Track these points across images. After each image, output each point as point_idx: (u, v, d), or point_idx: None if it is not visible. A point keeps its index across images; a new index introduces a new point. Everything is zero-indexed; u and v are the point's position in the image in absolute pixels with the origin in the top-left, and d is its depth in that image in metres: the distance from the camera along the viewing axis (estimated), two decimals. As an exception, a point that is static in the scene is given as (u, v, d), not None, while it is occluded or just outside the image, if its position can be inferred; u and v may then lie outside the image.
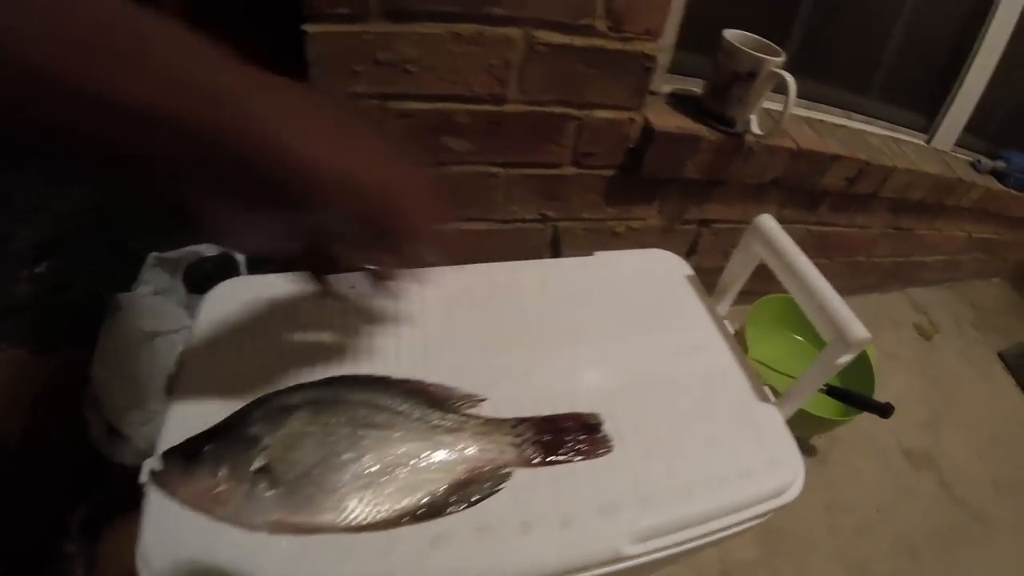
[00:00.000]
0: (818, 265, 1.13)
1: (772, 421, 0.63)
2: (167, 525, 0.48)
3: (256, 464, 0.48)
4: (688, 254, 1.04)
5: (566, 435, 0.55)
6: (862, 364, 1.14)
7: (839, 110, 1.21)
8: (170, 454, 0.50)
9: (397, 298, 0.63)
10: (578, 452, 0.54)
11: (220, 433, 0.50)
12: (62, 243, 1.05)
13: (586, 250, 0.91)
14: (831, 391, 0.96)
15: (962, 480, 1.05)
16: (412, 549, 0.47)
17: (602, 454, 0.55)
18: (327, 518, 0.47)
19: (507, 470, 0.51)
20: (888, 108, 1.32)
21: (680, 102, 0.92)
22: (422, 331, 0.61)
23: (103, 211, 1.04)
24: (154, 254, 0.94)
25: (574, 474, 0.53)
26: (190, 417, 0.53)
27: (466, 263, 0.67)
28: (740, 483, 0.56)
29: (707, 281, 0.72)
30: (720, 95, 0.89)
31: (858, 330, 0.57)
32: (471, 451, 0.51)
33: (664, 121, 0.86)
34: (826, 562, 0.90)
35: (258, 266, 0.68)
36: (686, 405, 0.60)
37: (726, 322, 0.70)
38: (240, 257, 0.90)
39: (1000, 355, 1.57)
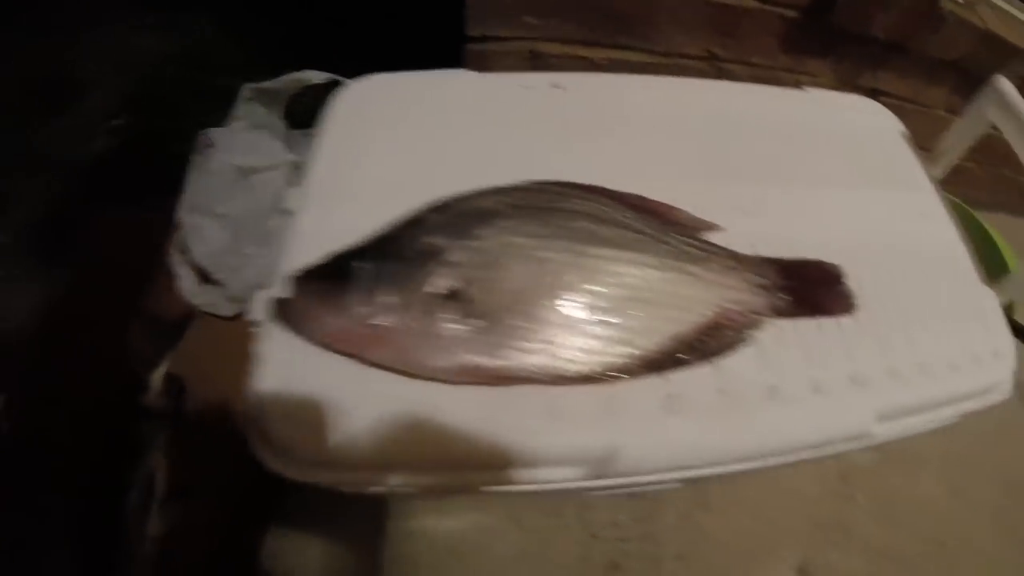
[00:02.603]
0: (963, 170, 0.89)
1: (993, 309, 0.46)
2: (293, 376, 0.32)
3: (439, 285, 0.31)
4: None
5: (812, 284, 0.38)
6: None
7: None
8: (305, 277, 0.34)
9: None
10: (823, 306, 0.39)
11: (380, 245, 0.34)
12: (144, 91, 0.85)
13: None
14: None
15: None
16: (642, 411, 0.32)
17: (845, 313, 0.39)
18: (535, 362, 0.31)
19: (757, 318, 0.35)
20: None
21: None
22: (628, 142, 0.43)
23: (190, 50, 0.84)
24: (249, 85, 0.74)
25: (820, 333, 0.38)
26: (327, 233, 0.37)
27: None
28: (972, 370, 0.41)
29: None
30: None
31: None
32: (723, 289, 0.34)
33: (861, -40, 0.66)
34: (932, 481, 0.78)
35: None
36: (917, 275, 0.44)
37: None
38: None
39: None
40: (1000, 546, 0.75)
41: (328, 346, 0.33)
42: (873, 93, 0.79)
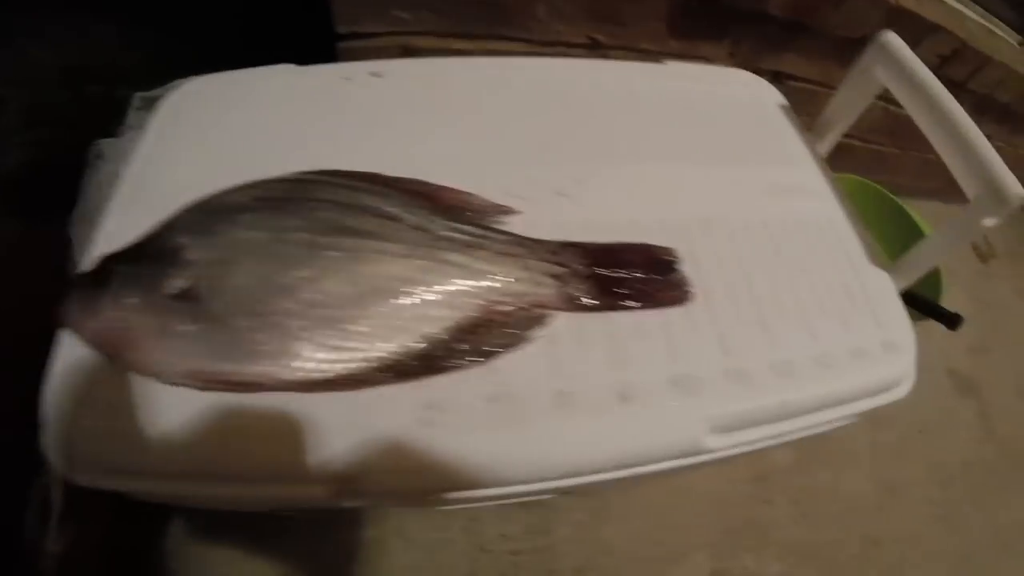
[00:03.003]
0: (888, 156, 0.82)
1: (886, 293, 0.40)
2: (76, 376, 0.30)
3: (174, 286, 0.27)
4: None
5: (628, 271, 0.33)
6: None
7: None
8: (78, 281, 0.32)
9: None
10: (643, 296, 0.33)
11: (139, 247, 0.32)
12: (54, 104, 0.82)
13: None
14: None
15: (1002, 414, 0.83)
16: (394, 423, 0.28)
17: (676, 303, 0.34)
18: (264, 368, 0.27)
19: (542, 312, 0.30)
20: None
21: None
22: (440, 127, 0.39)
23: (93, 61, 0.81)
24: (138, 94, 0.71)
25: (639, 329, 0.33)
26: (117, 237, 0.34)
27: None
28: (852, 366, 0.35)
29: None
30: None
31: (1013, 185, 0.34)
32: (493, 279, 0.30)
33: (753, -71, 0.60)
34: (862, 478, 0.72)
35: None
36: (785, 256, 0.39)
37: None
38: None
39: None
40: (939, 540, 0.68)
41: (93, 348, 0.30)
42: (777, 76, 0.73)
